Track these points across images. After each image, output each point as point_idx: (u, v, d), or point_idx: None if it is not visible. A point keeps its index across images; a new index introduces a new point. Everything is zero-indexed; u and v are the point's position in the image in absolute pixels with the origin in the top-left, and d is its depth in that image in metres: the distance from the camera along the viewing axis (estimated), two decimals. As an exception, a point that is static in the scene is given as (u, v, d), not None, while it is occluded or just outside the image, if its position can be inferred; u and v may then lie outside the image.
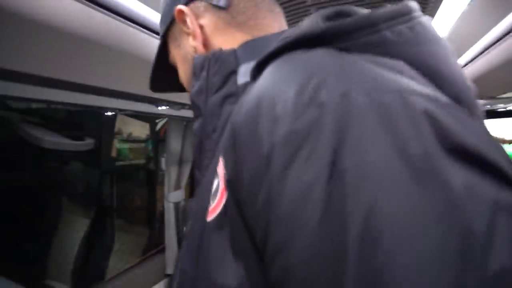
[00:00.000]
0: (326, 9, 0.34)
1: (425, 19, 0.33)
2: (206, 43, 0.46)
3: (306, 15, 0.44)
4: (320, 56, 0.29)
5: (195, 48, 0.47)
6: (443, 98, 0.26)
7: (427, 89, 0.26)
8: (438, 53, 0.32)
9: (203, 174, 0.43)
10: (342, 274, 0.20)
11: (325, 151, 0.23)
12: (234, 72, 0.42)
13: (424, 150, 0.22)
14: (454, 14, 1.67)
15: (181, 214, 1.97)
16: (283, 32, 0.43)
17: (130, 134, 2.67)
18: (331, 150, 0.23)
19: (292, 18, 1.14)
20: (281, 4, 0.50)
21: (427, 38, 0.32)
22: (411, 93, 0.25)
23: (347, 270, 0.20)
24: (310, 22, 0.34)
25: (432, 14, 1.76)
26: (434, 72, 0.31)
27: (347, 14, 0.33)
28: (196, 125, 0.45)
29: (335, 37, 0.31)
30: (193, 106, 0.45)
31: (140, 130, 2.74)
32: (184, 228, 1.95)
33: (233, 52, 0.43)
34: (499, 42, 1.09)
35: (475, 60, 1.32)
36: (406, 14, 0.31)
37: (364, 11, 0.34)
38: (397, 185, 0.21)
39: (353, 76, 0.26)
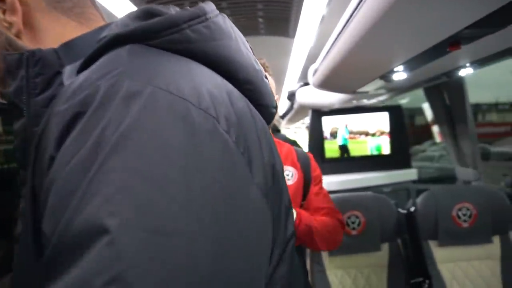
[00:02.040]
0: (137, 10, 0.41)
1: (218, 18, 0.41)
2: (26, 22, 0.45)
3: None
4: (119, 54, 0.36)
5: (11, 24, 0.44)
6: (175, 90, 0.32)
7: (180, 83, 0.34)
8: (231, 46, 0.41)
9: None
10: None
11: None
12: (59, 73, 0.42)
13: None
14: (316, 18, 1.79)
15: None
16: (101, 28, 0.46)
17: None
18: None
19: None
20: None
21: (221, 34, 0.40)
22: (155, 86, 0.31)
23: None
24: (122, 22, 0.40)
25: (296, 18, 1.86)
26: (228, 60, 0.41)
27: (156, 14, 0.39)
28: (17, 125, 0.43)
29: (144, 36, 0.37)
30: (11, 106, 0.43)
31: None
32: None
33: (55, 52, 0.43)
34: (349, 39, 1.18)
35: (333, 56, 1.42)
36: (201, 15, 0.39)
37: (170, 11, 0.40)
38: None
39: (128, 71, 0.33)
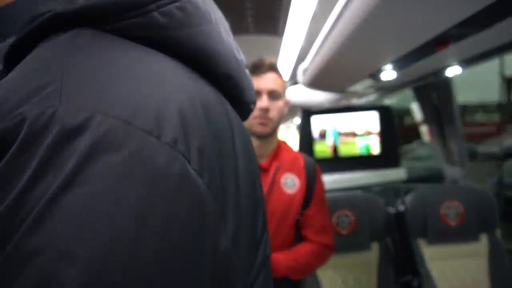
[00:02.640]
0: None
1: None
2: None
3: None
4: (57, 49, 0.25)
5: None
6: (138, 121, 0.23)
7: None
8: (211, 33, 0.32)
9: None
10: None
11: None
12: None
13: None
14: (305, 16, 1.78)
15: None
16: None
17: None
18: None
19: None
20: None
21: (199, 18, 0.31)
22: (105, 113, 0.22)
23: None
24: None
25: (285, 16, 1.85)
26: (207, 51, 0.31)
27: None
28: None
29: (94, 18, 0.27)
30: None
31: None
32: None
33: None
34: (338, 38, 1.18)
35: (322, 54, 1.41)
36: None
37: None
38: None
39: (65, 88, 0.22)
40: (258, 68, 1.18)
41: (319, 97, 2.52)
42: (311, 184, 1.26)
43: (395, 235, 1.89)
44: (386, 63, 1.32)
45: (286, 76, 3.20)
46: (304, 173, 1.25)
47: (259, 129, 1.18)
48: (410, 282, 1.76)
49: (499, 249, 1.77)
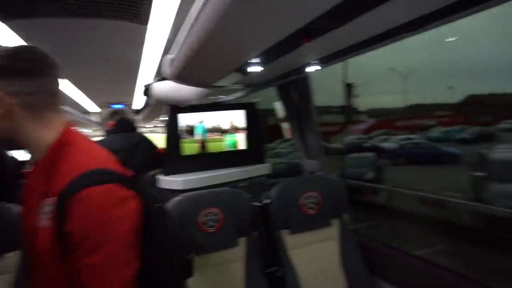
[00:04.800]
0: None
1: None
2: None
3: None
4: None
5: None
6: None
7: None
8: None
9: None
10: None
11: None
12: None
13: None
14: (171, 2, 1.66)
15: None
16: None
17: None
18: None
19: None
20: None
21: None
22: None
23: None
24: None
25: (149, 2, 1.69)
26: None
27: None
28: None
29: None
30: None
31: None
32: None
33: None
34: (203, 27, 1.10)
35: (189, 45, 1.32)
36: None
37: None
38: None
39: None
40: None
41: (187, 92, 2.43)
42: (62, 220, 0.74)
43: (261, 229, 1.94)
44: (252, 57, 1.32)
45: (153, 69, 2.98)
46: (56, 199, 0.76)
47: None
48: (274, 272, 1.83)
49: (347, 230, 1.99)
